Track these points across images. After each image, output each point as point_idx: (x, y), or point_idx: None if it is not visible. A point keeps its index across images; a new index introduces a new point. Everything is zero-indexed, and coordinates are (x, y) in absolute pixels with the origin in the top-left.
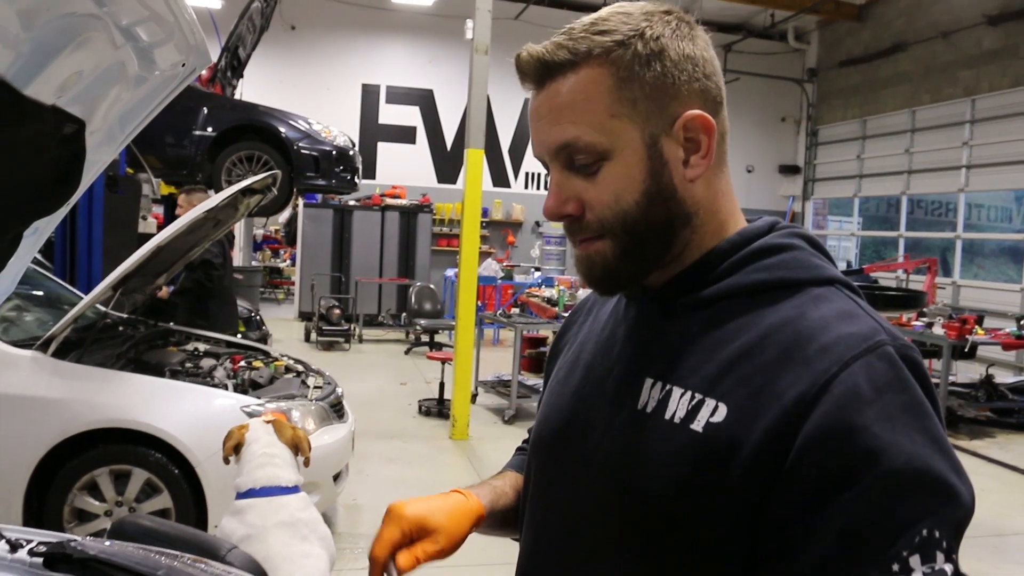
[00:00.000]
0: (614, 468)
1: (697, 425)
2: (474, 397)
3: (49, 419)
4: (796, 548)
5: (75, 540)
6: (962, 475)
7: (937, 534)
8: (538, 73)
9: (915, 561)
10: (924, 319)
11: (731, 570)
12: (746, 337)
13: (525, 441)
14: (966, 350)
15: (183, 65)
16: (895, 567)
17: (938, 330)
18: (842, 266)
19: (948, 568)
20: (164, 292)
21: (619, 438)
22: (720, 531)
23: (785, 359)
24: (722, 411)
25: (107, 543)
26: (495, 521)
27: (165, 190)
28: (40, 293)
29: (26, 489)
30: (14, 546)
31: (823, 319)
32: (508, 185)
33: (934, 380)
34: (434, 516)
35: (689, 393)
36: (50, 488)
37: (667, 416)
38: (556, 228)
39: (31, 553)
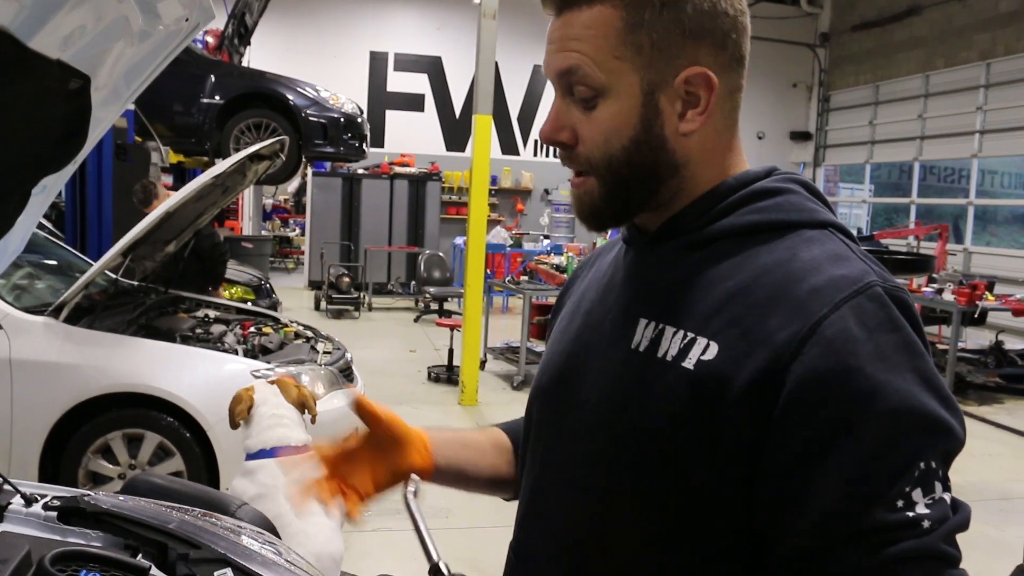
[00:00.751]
0: (607, 406)
1: (688, 363)
2: (483, 363)
3: (63, 384)
4: (799, 497)
5: (88, 495)
6: (953, 409)
7: (933, 464)
8: (558, 1)
9: (917, 494)
10: (934, 285)
11: (729, 509)
12: (738, 277)
13: None
14: (976, 316)
15: (187, 20)
16: (899, 503)
17: (948, 296)
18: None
19: (946, 496)
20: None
21: (612, 377)
22: (712, 469)
23: (776, 299)
24: (713, 349)
25: (120, 498)
26: (449, 471)
27: (174, 158)
28: (52, 261)
29: (41, 452)
30: (29, 500)
31: (814, 260)
32: (517, 153)
33: (943, 346)
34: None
35: (681, 332)
36: (64, 452)
37: (659, 354)
38: (565, 195)
39: (45, 507)
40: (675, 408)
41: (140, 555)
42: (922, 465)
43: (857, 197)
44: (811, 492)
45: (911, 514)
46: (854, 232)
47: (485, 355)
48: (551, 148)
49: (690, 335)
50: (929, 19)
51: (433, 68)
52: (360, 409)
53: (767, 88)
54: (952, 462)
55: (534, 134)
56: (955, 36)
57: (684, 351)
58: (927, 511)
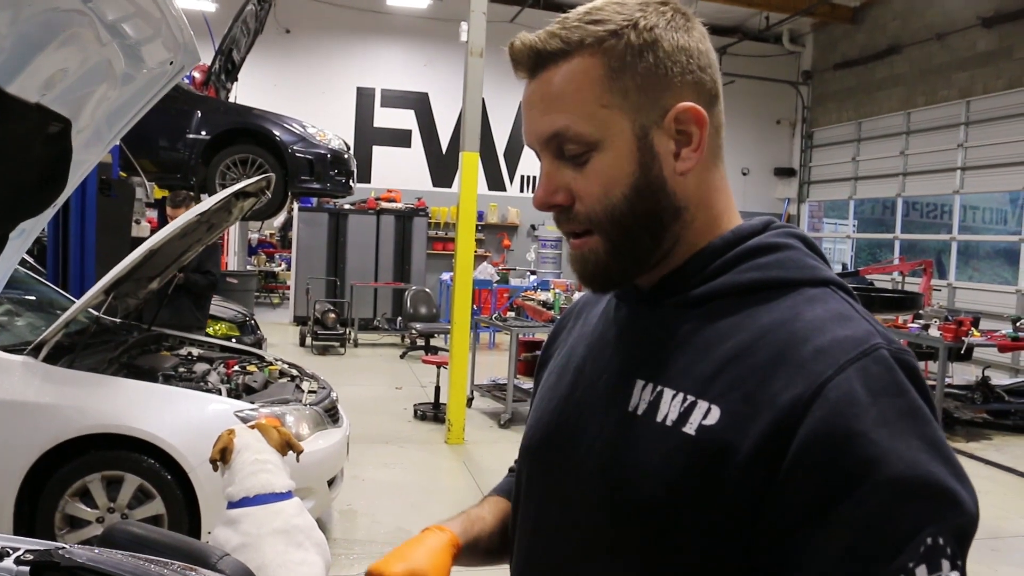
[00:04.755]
0: (604, 472)
1: (689, 428)
2: (470, 401)
3: (40, 424)
4: (796, 563)
5: (63, 548)
6: (964, 480)
7: (941, 541)
8: (531, 62)
9: (921, 571)
10: (920, 321)
11: None
12: (739, 337)
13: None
14: (962, 352)
15: (171, 63)
16: None
17: (934, 332)
18: (837, 268)
19: None
20: (180, 277)
21: (609, 441)
22: (713, 537)
23: (779, 361)
24: (715, 413)
25: (96, 551)
26: (473, 547)
27: (159, 194)
28: (32, 297)
29: (17, 495)
30: (0, 554)
31: (818, 320)
32: (504, 188)
33: (930, 382)
34: (418, 565)
35: (681, 395)
36: (41, 494)
37: (659, 418)
38: (552, 232)
39: (18, 562)
40: (675, 476)
41: None
42: (928, 540)
43: (841, 232)
44: (808, 559)
45: None
46: (838, 268)
47: (472, 392)
48: (537, 185)
49: (690, 398)
50: (909, 58)
51: (420, 104)
52: None
53: (751, 125)
54: (968, 542)
55: (520, 170)
56: (935, 74)
57: (684, 415)
58: None
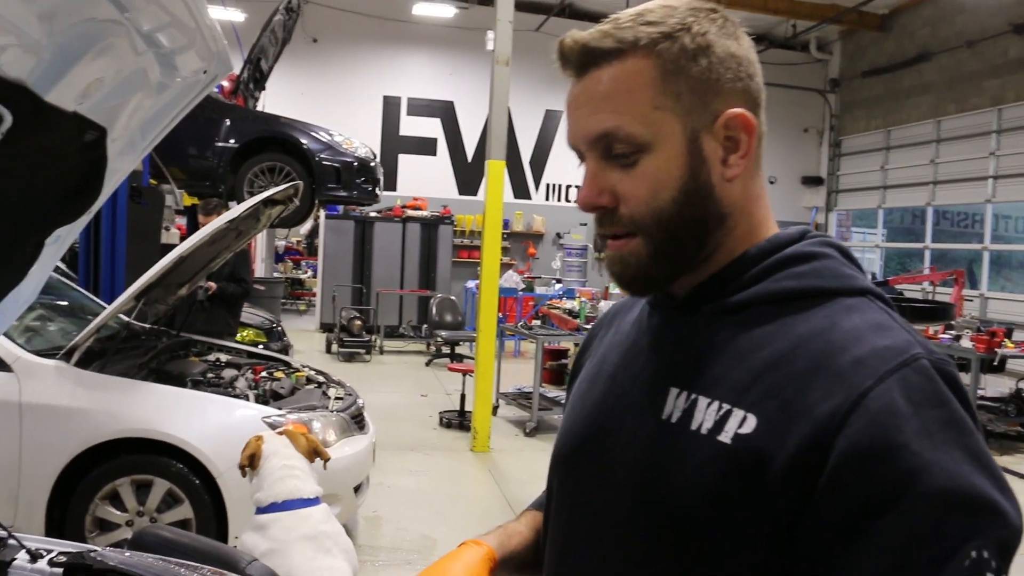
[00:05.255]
0: (638, 481)
1: (725, 436)
2: (495, 409)
3: (72, 428)
4: None
5: (95, 551)
6: (1007, 493)
7: (985, 555)
8: (581, 60)
9: None
10: (952, 332)
11: None
12: (775, 346)
13: None
14: (995, 363)
15: (204, 72)
16: None
17: (966, 343)
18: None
19: None
20: (214, 287)
21: (643, 450)
22: (749, 547)
23: (816, 370)
24: (751, 422)
25: (127, 554)
26: (509, 562)
27: (188, 201)
28: (64, 303)
29: (48, 498)
30: (34, 556)
31: (856, 330)
32: (529, 197)
33: None
34: None
35: (716, 403)
36: (72, 497)
37: (693, 427)
38: (577, 239)
39: (51, 563)
40: (711, 484)
41: None
42: (973, 554)
43: (870, 242)
44: (852, 569)
45: None
46: (868, 277)
47: (497, 400)
48: (564, 191)
49: (725, 406)
50: (939, 65)
51: (446, 112)
52: None
53: (779, 133)
54: (1012, 555)
55: (546, 178)
56: (965, 82)
57: (720, 424)
58: None
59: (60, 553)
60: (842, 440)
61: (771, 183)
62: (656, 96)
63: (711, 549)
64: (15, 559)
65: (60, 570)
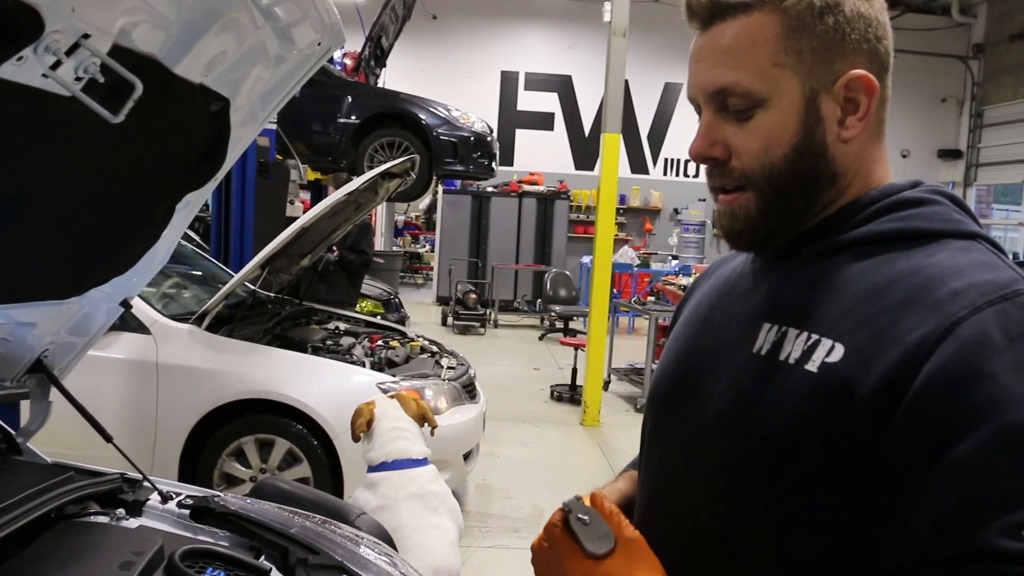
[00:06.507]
0: (727, 412)
1: (812, 365)
2: (606, 384)
3: (202, 388)
4: (909, 504)
5: (218, 495)
6: None
7: None
8: (708, 13)
9: None
10: None
11: (846, 517)
12: (871, 280)
13: None
14: None
15: (319, 44)
16: (1023, 532)
17: None
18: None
19: None
20: (336, 254)
21: (732, 382)
22: (833, 475)
23: (912, 301)
24: (839, 351)
25: (247, 500)
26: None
27: (311, 176)
28: (197, 272)
29: (181, 452)
30: (165, 497)
31: (958, 266)
32: (646, 172)
33: None
34: None
35: (805, 334)
36: (202, 452)
37: (781, 357)
38: (695, 215)
39: (180, 505)
40: (796, 412)
41: (263, 557)
42: None
43: (1013, 219)
44: (922, 501)
45: None
46: (1010, 257)
47: (609, 376)
48: (682, 166)
49: (814, 336)
50: None
51: (563, 87)
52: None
53: (912, 104)
54: None
55: (664, 153)
56: None
57: (807, 353)
58: None
59: (187, 496)
60: (928, 365)
61: (903, 157)
62: (777, 53)
63: (796, 478)
64: (148, 500)
65: (187, 511)
